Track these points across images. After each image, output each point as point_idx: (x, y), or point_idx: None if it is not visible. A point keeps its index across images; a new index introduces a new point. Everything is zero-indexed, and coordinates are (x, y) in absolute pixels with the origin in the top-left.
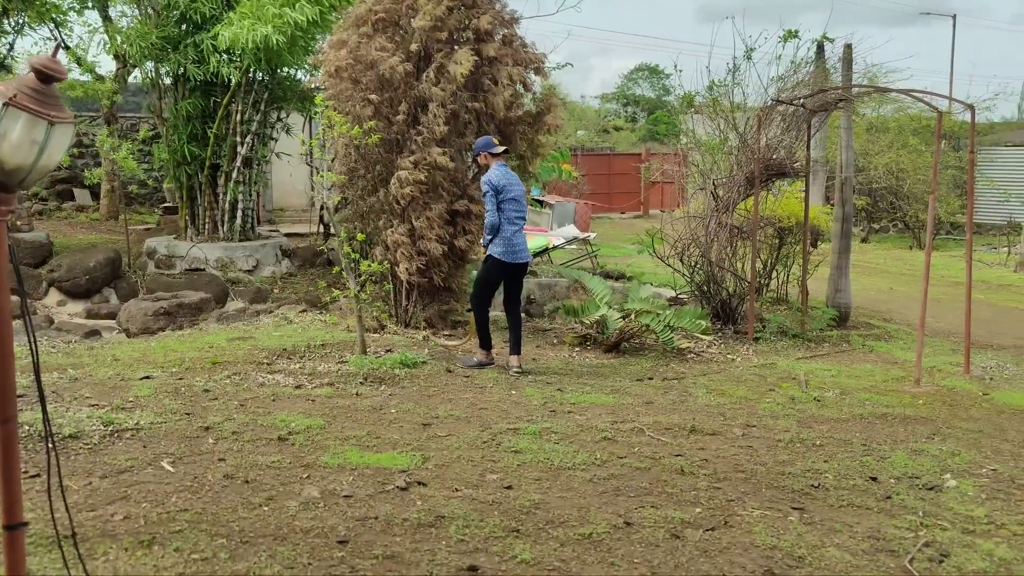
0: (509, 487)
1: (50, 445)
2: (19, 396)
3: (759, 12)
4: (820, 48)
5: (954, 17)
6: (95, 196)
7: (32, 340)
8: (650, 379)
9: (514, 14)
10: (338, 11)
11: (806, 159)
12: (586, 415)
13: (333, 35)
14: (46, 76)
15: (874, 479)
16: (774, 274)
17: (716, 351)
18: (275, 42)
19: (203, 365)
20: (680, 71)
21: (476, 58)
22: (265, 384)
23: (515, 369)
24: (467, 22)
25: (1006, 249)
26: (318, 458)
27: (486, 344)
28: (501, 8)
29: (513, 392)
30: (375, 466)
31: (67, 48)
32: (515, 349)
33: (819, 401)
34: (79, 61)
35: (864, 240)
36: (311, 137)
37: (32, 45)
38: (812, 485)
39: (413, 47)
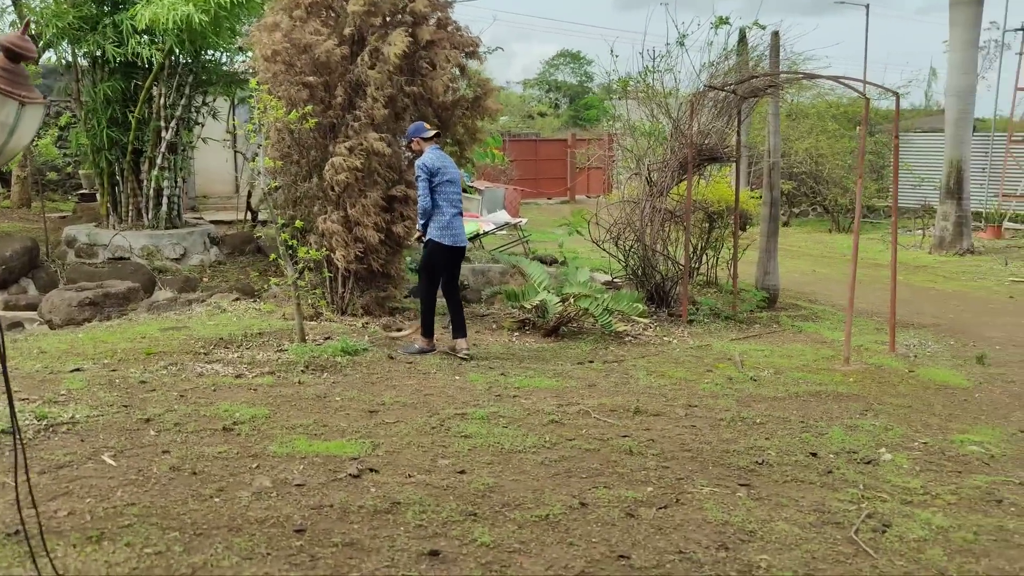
0: (462, 472)
1: (17, 439)
2: None
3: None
4: (742, 36)
5: (867, 7)
6: (5, 183)
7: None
8: (591, 362)
9: None
10: None
11: (736, 144)
12: (532, 399)
13: (265, 17)
14: (15, 55)
15: (814, 455)
16: (704, 257)
17: (652, 334)
18: (197, 21)
19: (137, 356)
20: (616, 56)
21: (411, 39)
22: (204, 374)
23: (464, 352)
24: (402, 6)
25: (921, 232)
26: (266, 447)
27: (429, 331)
28: None
29: (457, 377)
30: (325, 454)
31: None
32: (460, 332)
33: (755, 381)
34: None
35: (785, 224)
36: (246, 122)
37: None
38: (756, 462)
39: (347, 31)
